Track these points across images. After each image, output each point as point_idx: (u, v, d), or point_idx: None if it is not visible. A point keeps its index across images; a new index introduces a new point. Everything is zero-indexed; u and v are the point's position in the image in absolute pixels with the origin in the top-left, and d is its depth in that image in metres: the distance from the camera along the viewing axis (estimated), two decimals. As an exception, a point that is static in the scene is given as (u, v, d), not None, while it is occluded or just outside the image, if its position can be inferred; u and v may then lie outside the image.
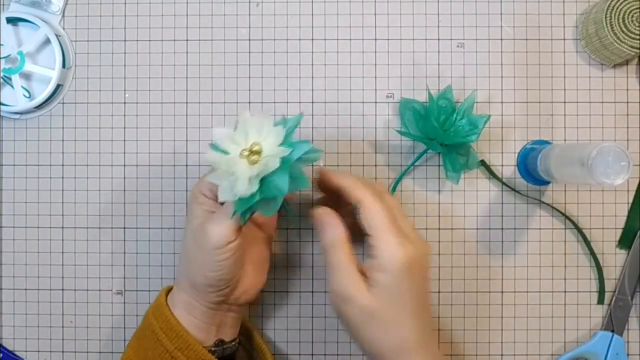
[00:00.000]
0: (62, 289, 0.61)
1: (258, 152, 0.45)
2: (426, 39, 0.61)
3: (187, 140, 0.61)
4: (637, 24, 0.56)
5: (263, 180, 0.45)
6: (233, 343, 0.54)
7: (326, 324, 0.61)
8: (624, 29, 0.56)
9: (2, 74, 0.60)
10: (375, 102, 0.61)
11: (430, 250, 0.49)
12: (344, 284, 0.48)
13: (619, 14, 0.56)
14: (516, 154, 0.60)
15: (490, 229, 0.60)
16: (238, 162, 0.45)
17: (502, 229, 0.60)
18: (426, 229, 0.60)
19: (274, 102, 0.60)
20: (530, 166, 0.59)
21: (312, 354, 0.61)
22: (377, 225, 0.48)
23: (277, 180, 0.45)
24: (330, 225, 0.50)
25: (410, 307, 0.48)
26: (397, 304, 0.48)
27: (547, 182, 0.60)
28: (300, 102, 0.60)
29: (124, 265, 0.61)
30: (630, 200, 0.60)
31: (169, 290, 0.54)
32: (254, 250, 0.55)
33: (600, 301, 0.60)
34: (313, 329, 0.61)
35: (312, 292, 0.61)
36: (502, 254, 0.60)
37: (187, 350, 0.50)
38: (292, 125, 0.47)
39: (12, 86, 0.60)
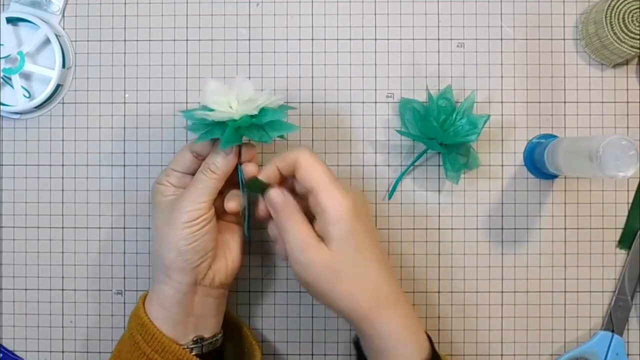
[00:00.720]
0: (62, 289, 0.61)
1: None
2: (426, 39, 0.61)
3: (187, 140, 0.61)
4: (637, 24, 0.56)
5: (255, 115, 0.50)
6: (214, 339, 0.53)
7: (326, 324, 0.61)
8: (624, 29, 0.56)
9: (2, 74, 0.60)
10: (375, 102, 0.61)
11: (367, 199, 0.51)
12: (302, 248, 0.48)
13: (619, 14, 0.56)
14: (516, 154, 0.60)
15: (490, 229, 0.60)
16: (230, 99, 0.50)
17: (502, 229, 0.60)
18: (426, 229, 0.60)
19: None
20: (537, 161, 0.59)
21: (312, 354, 0.61)
22: (319, 180, 0.49)
23: (272, 111, 0.50)
24: (280, 200, 0.50)
25: (370, 253, 0.49)
26: (358, 253, 0.49)
27: (555, 176, 0.60)
28: (300, 102, 0.60)
29: (124, 265, 0.61)
30: (630, 200, 0.60)
31: (145, 297, 0.53)
32: (225, 230, 0.55)
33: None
34: (313, 329, 0.61)
35: (312, 292, 0.61)
36: (502, 254, 0.60)
37: (164, 352, 0.50)
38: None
39: (12, 86, 0.60)
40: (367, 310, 0.49)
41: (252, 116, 0.50)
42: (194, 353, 0.51)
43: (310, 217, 0.50)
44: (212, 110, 0.49)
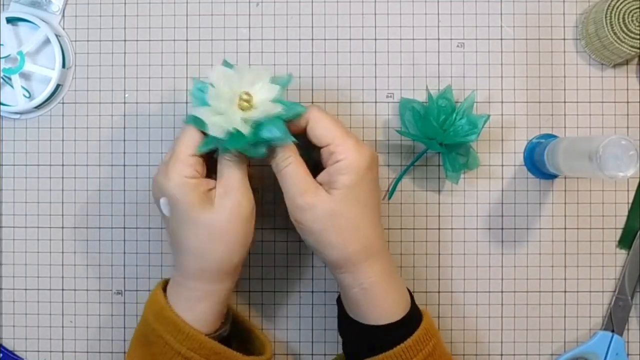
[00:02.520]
0: (62, 289, 0.61)
1: (248, 101, 0.48)
2: (426, 39, 0.61)
3: (187, 140, 0.61)
4: (637, 24, 0.56)
5: (254, 126, 0.48)
6: (227, 325, 0.54)
7: (326, 324, 0.61)
8: (624, 29, 0.56)
9: (2, 74, 0.60)
10: (375, 102, 0.61)
11: (378, 159, 0.53)
12: (302, 191, 0.49)
13: (619, 14, 0.56)
14: (516, 154, 0.60)
15: (490, 229, 0.60)
16: (232, 103, 0.48)
17: (502, 229, 0.60)
18: (426, 229, 0.60)
19: (274, 102, 0.60)
20: (537, 161, 0.59)
21: (312, 354, 0.61)
22: (335, 133, 0.49)
23: (270, 126, 0.48)
24: (279, 147, 0.50)
25: (371, 206, 0.50)
26: (359, 204, 0.49)
27: (555, 176, 0.60)
28: (300, 102, 0.60)
29: (124, 265, 0.61)
30: (630, 200, 0.60)
31: (164, 285, 0.53)
32: None
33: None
34: (313, 329, 0.61)
35: (312, 292, 0.61)
36: (502, 254, 0.60)
37: (201, 349, 0.49)
38: (283, 84, 0.50)
39: (12, 86, 0.60)
40: (356, 259, 0.49)
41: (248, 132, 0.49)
42: (218, 340, 0.51)
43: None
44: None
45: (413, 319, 0.51)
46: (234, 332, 0.56)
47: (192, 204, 0.49)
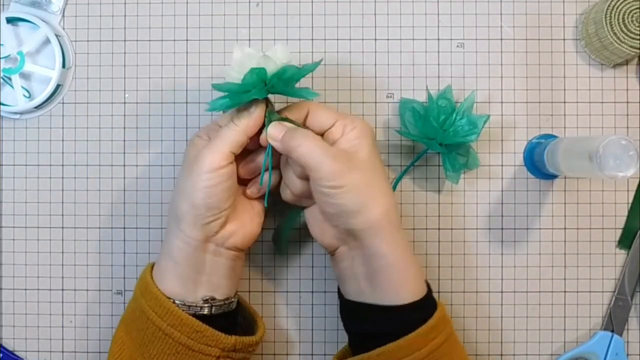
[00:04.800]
0: (62, 289, 0.61)
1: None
2: (426, 39, 0.61)
3: (187, 140, 0.61)
4: (637, 24, 0.56)
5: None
6: (227, 302, 0.53)
7: (326, 324, 0.61)
8: (624, 29, 0.56)
9: (2, 74, 0.60)
10: (375, 102, 0.61)
11: None
12: (334, 156, 0.49)
13: (619, 14, 0.56)
14: (516, 154, 0.60)
15: (490, 229, 0.60)
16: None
17: (502, 229, 0.60)
18: (426, 229, 0.60)
19: (274, 102, 0.60)
20: (537, 161, 0.59)
21: (312, 354, 0.61)
22: (336, 113, 0.53)
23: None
24: (283, 128, 0.51)
25: (382, 177, 0.52)
26: (379, 163, 0.52)
27: (555, 176, 0.60)
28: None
29: (124, 265, 0.61)
30: (630, 200, 0.60)
31: (153, 265, 0.53)
32: (246, 200, 0.55)
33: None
34: (313, 328, 0.61)
35: (312, 292, 0.61)
36: (502, 254, 0.60)
37: (181, 325, 0.50)
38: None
39: (12, 86, 0.60)
40: (388, 220, 0.50)
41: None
42: (203, 312, 0.51)
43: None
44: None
45: (431, 301, 0.52)
46: (240, 317, 0.56)
47: (184, 155, 0.53)
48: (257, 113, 0.51)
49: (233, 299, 0.54)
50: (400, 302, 0.50)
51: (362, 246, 0.50)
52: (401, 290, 0.50)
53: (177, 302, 0.51)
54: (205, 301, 0.52)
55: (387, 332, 0.49)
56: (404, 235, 0.52)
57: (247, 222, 0.54)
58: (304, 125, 0.53)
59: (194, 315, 0.51)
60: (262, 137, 0.52)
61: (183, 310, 0.50)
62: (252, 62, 0.50)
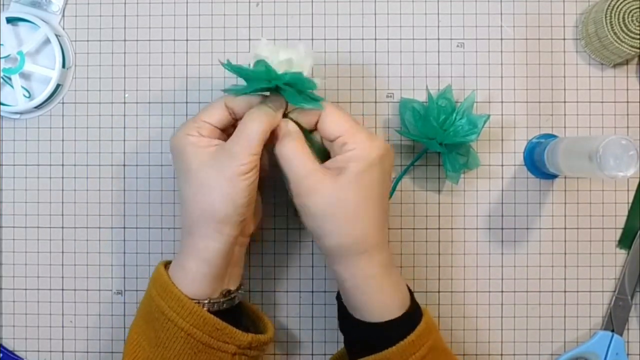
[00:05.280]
0: (62, 289, 0.61)
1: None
2: (426, 39, 0.61)
3: (187, 140, 0.61)
4: (637, 24, 0.56)
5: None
6: (239, 291, 0.53)
7: (326, 324, 0.61)
8: (624, 29, 0.56)
9: (2, 74, 0.60)
10: (375, 102, 0.61)
11: (393, 152, 0.53)
12: (309, 173, 0.48)
13: (619, 14, 0.56)
14: (516, 154, 0.60)
15: (490, 229, 0.60)
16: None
17: (502, 229, 0.60)
18: (426, 229, 0.60)
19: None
20: (537, 161, 0.59)
21: (312, 354, 0.61)
22: (347, 125, 0.50)
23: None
24: (285, 129, 0.50)
25: (376, 198, 0.49)
26: (363, 194, 0.49)
27: (555, 176, 0.60)
28: (300, 102, 0.60)
29: (124, 265, 0.61)
30: (630, 200, 0.60)
31: (165, 264, 0.53)
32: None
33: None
34: (313, 328, 0.61)
35: (312, 292, 0.61)
36: (502, 254, 0.60)
37: (204, 325, 0.49)
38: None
39: (12, 86, 0.60)
40: (354, 250, 0.49)
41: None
42: (225, 306, 0.51)
43: None
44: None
45: (412, 317, 0.51)
46: (241, 311, 0.56)
47: (187, 155, 0.49)
48: (280, 112, 0.50)
49: (240, 290, 0.54)
50: (375, 320, 0.50)
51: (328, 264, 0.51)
52: (369, 311, 0.50)
53: (203, 302, 0.50)
54: (225, 295, 0.52)
55: (372, 344, 0.50)
56: (386, 256, 0.51)
57: (258, 206, 0.55)
58: (315, 128, 0.51)
59: (216, 312, 0.50)
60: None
61: (208, 308, 0.50)
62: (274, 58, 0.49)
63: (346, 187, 0.48)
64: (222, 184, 0.48)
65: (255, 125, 0.49)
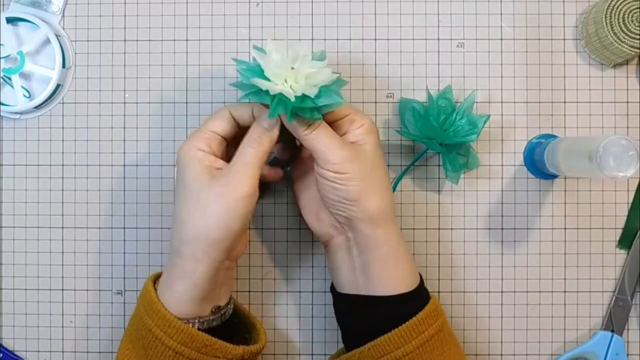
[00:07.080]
0: (62, 289, 0.61)
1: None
2: (426, 39, 0.61)
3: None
4: (637, 24, 0.56)
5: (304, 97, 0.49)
6: (228, 306, 0.54)
7: (326, 324, 0.61)
8: (624, 29, 0.56)
9: (2, 74, 0.60)
10: (375, 102, 0.61)
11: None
12: (343, 144, 0.50)
13: (619, 14, 0.56)
14: (516, 154, 0.60)
15: (490, 229, 0.60)
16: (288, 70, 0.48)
17: (502, 229, 0.60)
18: (426, 229, 0.60)
19: (274, 102, 0.60)
20: (537, 161, 0.59)
21: (312, 354, 0.61)
22: (348, 106, 0.53)
23: (329, 92, 0.50)
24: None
25: (384, 173, 0.53)
26: (382, 162, 0.53)
27: (555, 176, 0.60)
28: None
29: (124, 265, 0.61)
30: (630, 200, 0.60)
31: (155, 278, 0.53)
32: None
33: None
34: (313, 328, 0.61)
35: (312, 292, 0.61)
36: (502, 254, 0.60)
37: (192, 342, 0.49)
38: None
39: (12, 86, 0.60)
40: (389, 212, 0.52)
41: (306, 95, 0.48)
42: (215, 324, 0.52)
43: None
44: (267, 79, 0.48)
45: (424, 291, 0.53)
46: (235, 320, 0.56)
47: (191, 172, 0.50)
48: (276, 130, 0.51)
49: (231, 302, 0.54)
50: (393, 293, 0.51)
51: (360, 236, 0.51)
52: (395, 281, 0.51)
53: (193, 321, 0.50)
54: (213, 312, 0.52)
55: (379, 327, 0.50)
56: (399, 229, 0.53)
57: (245, 233, 0.55)
58: None
59: (206, 329, 0.51)
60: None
61: (198, 327, 0.50)
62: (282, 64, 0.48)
63: (374, 153, 0.52)
64: (221, 208, 0.49)
65: (252, 151, 0.50)
